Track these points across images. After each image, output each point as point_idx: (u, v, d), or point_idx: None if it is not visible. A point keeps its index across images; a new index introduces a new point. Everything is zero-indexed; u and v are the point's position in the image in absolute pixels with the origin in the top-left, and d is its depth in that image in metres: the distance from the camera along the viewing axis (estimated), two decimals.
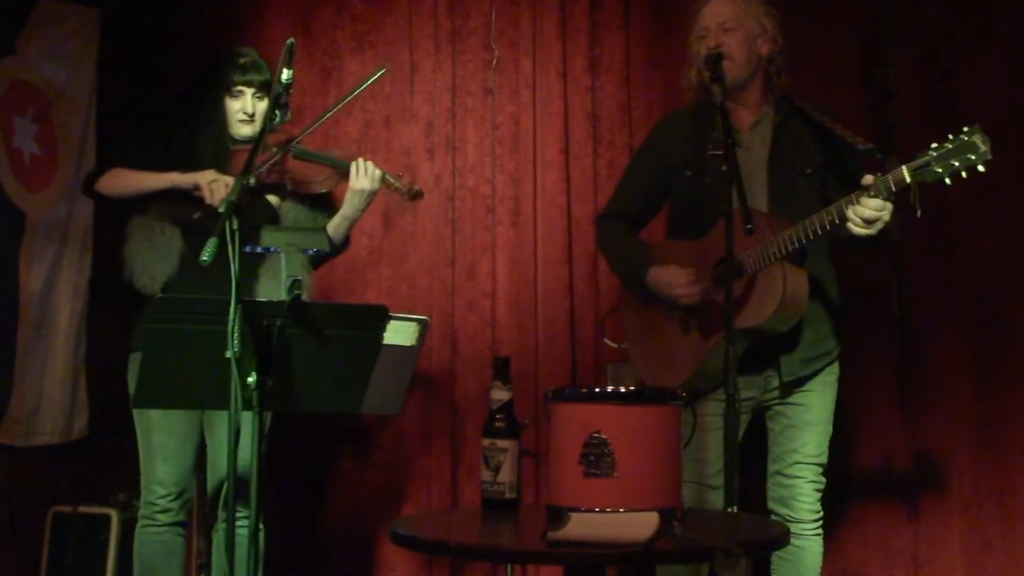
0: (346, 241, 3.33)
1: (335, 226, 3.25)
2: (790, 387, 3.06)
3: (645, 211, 3.32)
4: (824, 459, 3.07)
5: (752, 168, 3.02)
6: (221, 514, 3.06)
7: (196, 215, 3.07)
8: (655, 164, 3.25)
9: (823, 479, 3.08)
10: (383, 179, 3.22)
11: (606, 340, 3.81)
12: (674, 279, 3.04)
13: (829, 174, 3.05)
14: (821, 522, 3.07)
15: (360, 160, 3.20)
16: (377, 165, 3.22)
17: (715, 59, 2.96)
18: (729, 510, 2.56)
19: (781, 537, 2.23)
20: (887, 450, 3.82)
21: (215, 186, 3.07)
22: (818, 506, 3.07)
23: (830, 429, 3.10)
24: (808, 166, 3.05)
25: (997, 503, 3.73)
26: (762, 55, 3.10)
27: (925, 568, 3.77)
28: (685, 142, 3.16)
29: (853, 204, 2.74)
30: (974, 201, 3.74)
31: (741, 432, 3.22)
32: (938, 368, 3.80)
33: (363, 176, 3.17)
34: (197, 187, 3.08)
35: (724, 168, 2.67)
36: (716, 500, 2.98)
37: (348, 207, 3.22)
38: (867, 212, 2.73)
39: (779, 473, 3.08)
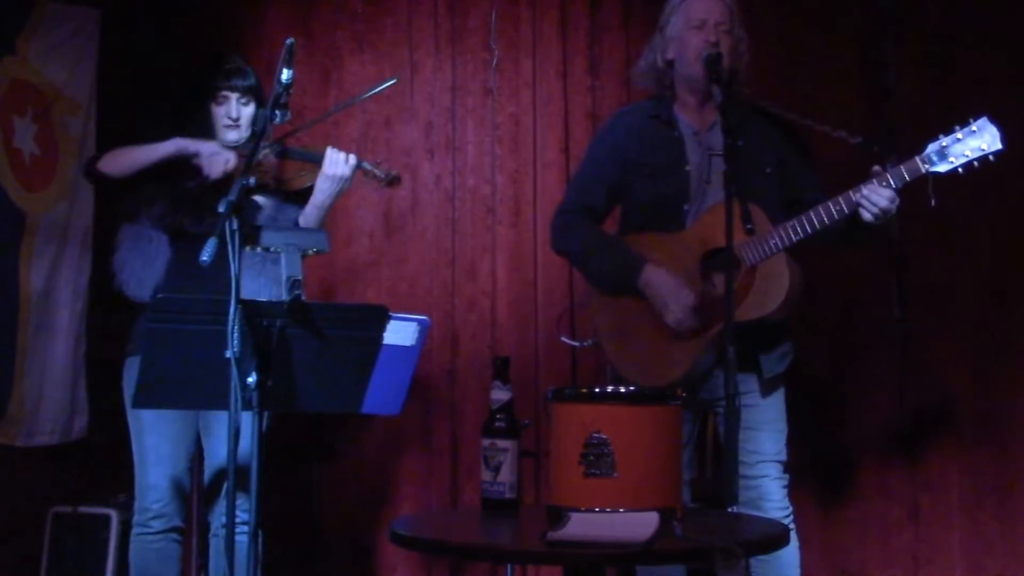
0: None
1: (306, 215, 3.18)
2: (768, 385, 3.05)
3: (609, 206, 3.23)
4: (784, 456, 3.04)
5: (712, 167, 3.02)
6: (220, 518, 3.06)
7: (191, 183, 3.08)
8: (614, 160, 3.16)
9: (787, 476, 3.04)
10: (359, 165, 3.18)
11: (563, 339, 3.77)
12: (675, 298, 2.97)
13: (791, 174, 3.05)
14: (791, 517, 3.04)
15: (333, 148, 3.16)
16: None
17: (716, 59, 2.94)
18: (729, 510, 2.56)
19: (781, 537, 2.23)
20: (887, 450, 3.82)
21: (215, 159, 3.09)
22: (786, 502, 3.03)
23: (785, 427, 3.06)
24: (767, 166, 3.04)
25: (997, 503, 3.73)
26: (735, 67, 3.06)
27: (925, 568, 3.77)
28: (642, 139, 3.12)
29: (862, 192, 2.79)
30: (974, 201, 3.73)
31: (697, 430, 3.22)
32: (938, 368, 3.80)
33: (337, 162, 3.13)
34: (198, 154, 3.09)
35: (719, 169, 2.65)
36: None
37: (319, 193, 3.15)
38: (883, 203, 2.77)
39: (743, 476, 3.03)
